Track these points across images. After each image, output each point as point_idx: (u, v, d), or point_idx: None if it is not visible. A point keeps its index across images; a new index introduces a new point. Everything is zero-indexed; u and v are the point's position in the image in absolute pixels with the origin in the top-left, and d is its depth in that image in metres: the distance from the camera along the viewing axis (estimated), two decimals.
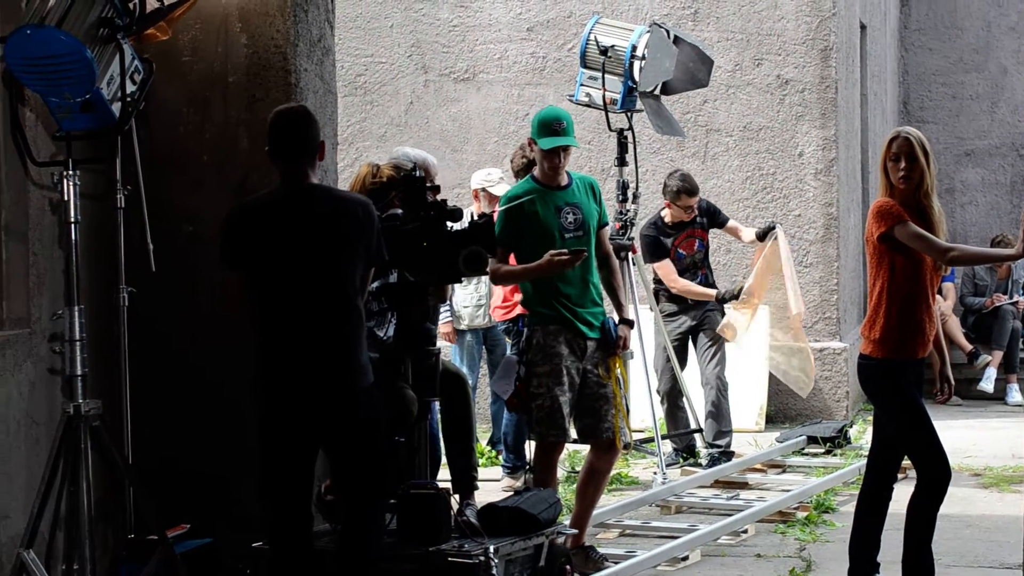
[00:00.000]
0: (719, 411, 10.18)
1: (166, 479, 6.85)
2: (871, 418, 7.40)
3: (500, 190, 9.52)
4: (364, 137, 12.79)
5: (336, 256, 5.73)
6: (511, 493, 7.96)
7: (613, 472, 8.45)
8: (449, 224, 6.45)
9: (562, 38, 12.53)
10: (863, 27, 13.91)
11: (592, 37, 9.62)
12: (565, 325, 7.12)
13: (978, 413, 12.92)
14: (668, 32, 9.75)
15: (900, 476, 7.14)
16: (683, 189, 10.21)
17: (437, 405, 6.96)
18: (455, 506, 6.57)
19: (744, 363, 11.39)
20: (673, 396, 10.36)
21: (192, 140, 7.08)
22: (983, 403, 13.39)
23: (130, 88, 6.14)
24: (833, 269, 12.20)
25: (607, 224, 7.47)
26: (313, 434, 5.75)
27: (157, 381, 6.97)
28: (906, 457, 6.70)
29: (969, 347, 13.68)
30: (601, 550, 7.48)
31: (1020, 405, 13.45)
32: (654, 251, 10.29)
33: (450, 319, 9.90)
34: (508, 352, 9.35)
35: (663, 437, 9.98)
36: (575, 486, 7.60)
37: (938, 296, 8.31)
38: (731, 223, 10.68)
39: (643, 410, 10.10)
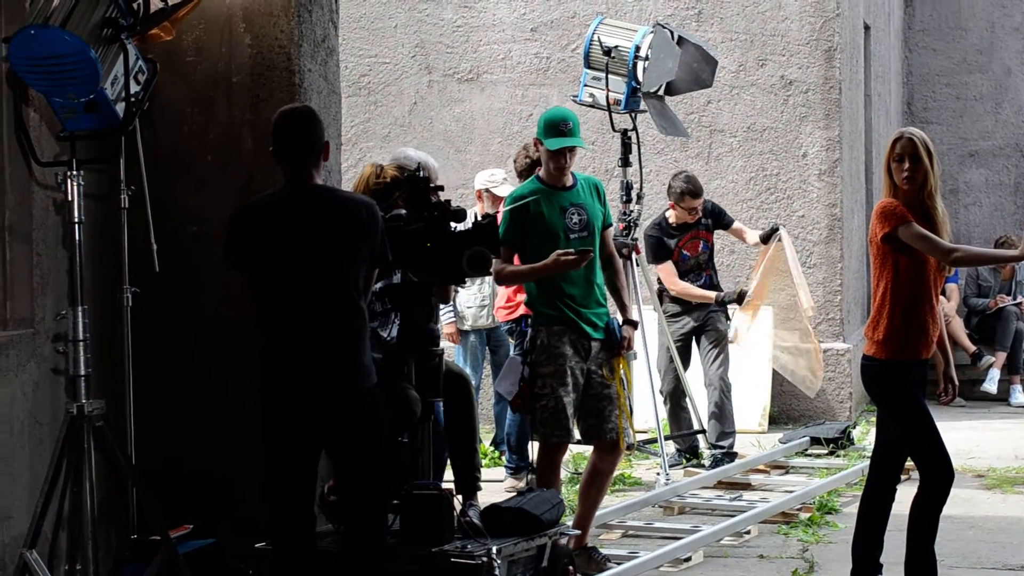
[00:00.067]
0: (722, 412, 10.18)
1: (169, 479, 6.85)
2: (874, 419, 7.38)
3: (504, 191, 9.53)
4: (368, 137, 12.79)
5: (340, 257, 5.73)
6: (514, 494, 7.95)
7: (616, 473, 8.45)
8: (453, 225, 6.46)
9: (566, 39, 12.53)
10: (867, 28, 13.91)
11: (596, 38, 9.61)
12: (569, 326, 7.12)
13: (981, 414, 12.91)
14: (672, 33, 9.75)
15: (903, 477, 7.15)
16: (687, 190, 10.22)
17: (441, 406, 6.96)
18: (458, 507, 6.58)
19: (747, 364, 11.39)
20: (676, 397, 10.36)
21: (196, 140, 7.09)
22: (986, 404, 13.38)
23: (134, 88, 6.14)
24: (837, 270, 12.20)
25: (611, 225, 7.47)
26: (316, 435, 5.75)
27: (161, 381, 6.97)
28: (909, 458, 6.70)
29: (973, 348, 13.67)
30: (604, 551, 7.48)
31: (1023, 406, 13.44)
32: (657, 252, 10.29)
33: (453, 320, 9.90)
34: (512, 353, 9.34)
35: (666, 438, 9.98)
36: (578, 487, 7.60)
37: (942, 297, 8.32)
38: (736, 225, 10.68)
39: (646, 411, 10.10)
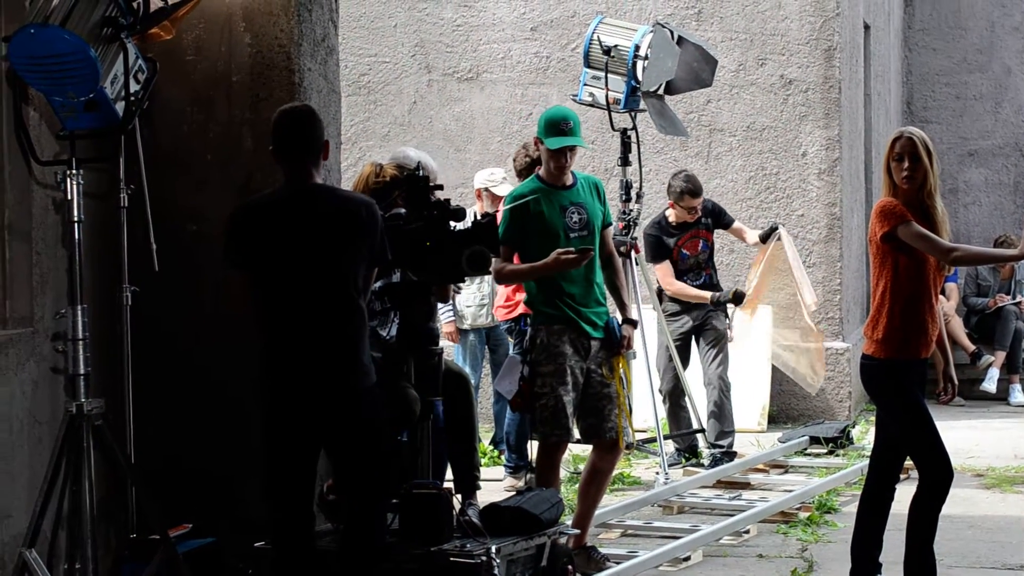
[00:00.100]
0: (721, 411, 10.18)
1: (169, 479, 6.85)
2: (873, 418, 7.39)
3: (503, 190, 9.53)
4: (368, 137, 12.79)
5: (339, 256, 5.73)
6: (513, 493, 7.96)
7: (615, 472, 8.46)
8: (452, 224, 6.46)
9: (566, 38, 12.53)
10: (867, 27, 13.91)
11: (595, 37, 9.61)
12: (569, 325, 7.13)
13: (981, 414, 12.91)
14: (672, 32, 9.75)
15: (903, 477, 7.15)
16: (687, 190, 10.22)
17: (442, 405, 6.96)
18: (457, 506, 6.57)
19: (746, 363, 11.39)
20: (675, 396, 10.36)
21: (196, 139, 7.09)
22: (986, 404, 13.38)
23: (134, 87, 6.14)
24: (836, 269, 12.20)
25: (611, 224, 7.47)
26: (316, 434, 5.75)
27: (160, 380, 6.97)
28: (908, 458, 6.70)
29: (972, 348, 13.68)
30: (603, 550, 7.48)
31: (1023, 405, 13.44)
32: (655, 251, 10.30)
33: (453, 319, 9.90)
34: (511, 352, 9.35)
35: (665, 437, 9.98)
36: (577, 486, 7.60)
37: (941, 296, 8.31)
38: (736, 225, 10.69)
39: (645, 410, 10.10)
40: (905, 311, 6.43)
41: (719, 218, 10.49)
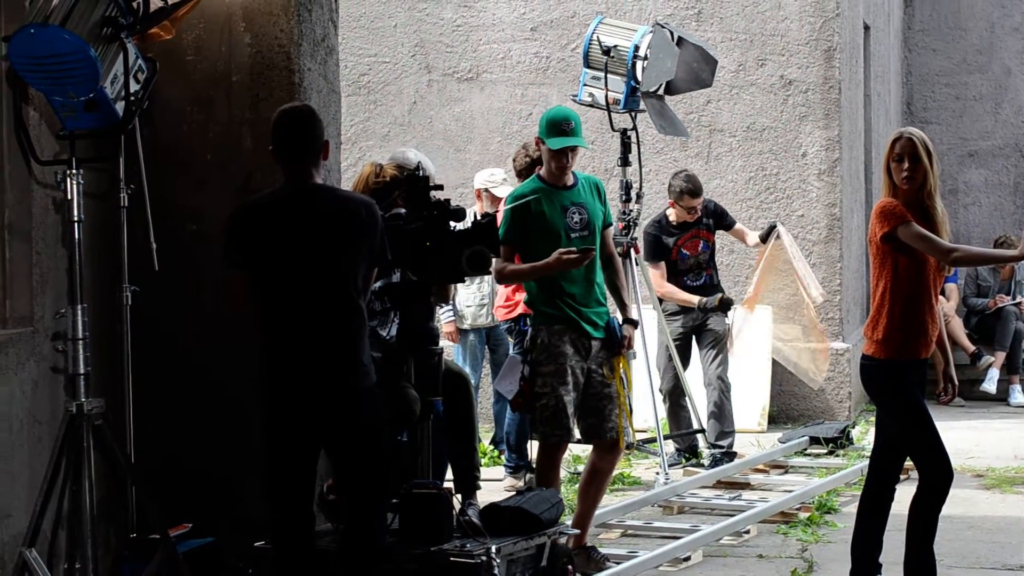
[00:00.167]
0: (721, 412, 10.18)
1: (169, 478, 6.85)
2: (873, 419, 7.38)
3: (503, 191, 9.53)
4: (367, 137, 12.79)
5: (339, 256, 5.73)
6: (513, 493, 7.96)
7: (615, 472, 8.45)
8: (452, 224, 6.46)
9: (565, 38, 12.53)
10: (867, 28, 13.91)
11: (595, 37, 9.61)
12: (570, 325, 7.13)
13: (980, 414, 12.91)
14: (671, 32, 9.75)
15: (902, 477, 7.14)
16: (686, 190, 10.22)
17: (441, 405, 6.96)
18: (457, 506, 6.57)
19: (746, 364, 11.39)
20: (675, 396, 10.36)
21: (196, 139, 7.09)
22: (986, 404, 13.38)
23: (134, 87, 6.14)
24: (836, 270, 12.20)
25: (611, 224, 7.47)
26: (316, 434, 5.75)
27: (160, 380, 6.97)
28: (908, 458, 6.70)
29: (972, 348, 13.68)
30: (603, 550, 7.48)
31: (1023, 406, 13.44)
32: (653, 250, 10.30)
33: (453, 318, 9.90)
34: (511, 352, 9.35)
35: (665, 437, 9.98)
36: (577, 486, 7.60)
37: (941, 297, 8.31)
38: (738, 226, 10.69)
39: (645, 410, 10.09)
40: (905, 312, 6.43)
41: (721, 219, 10.49)
